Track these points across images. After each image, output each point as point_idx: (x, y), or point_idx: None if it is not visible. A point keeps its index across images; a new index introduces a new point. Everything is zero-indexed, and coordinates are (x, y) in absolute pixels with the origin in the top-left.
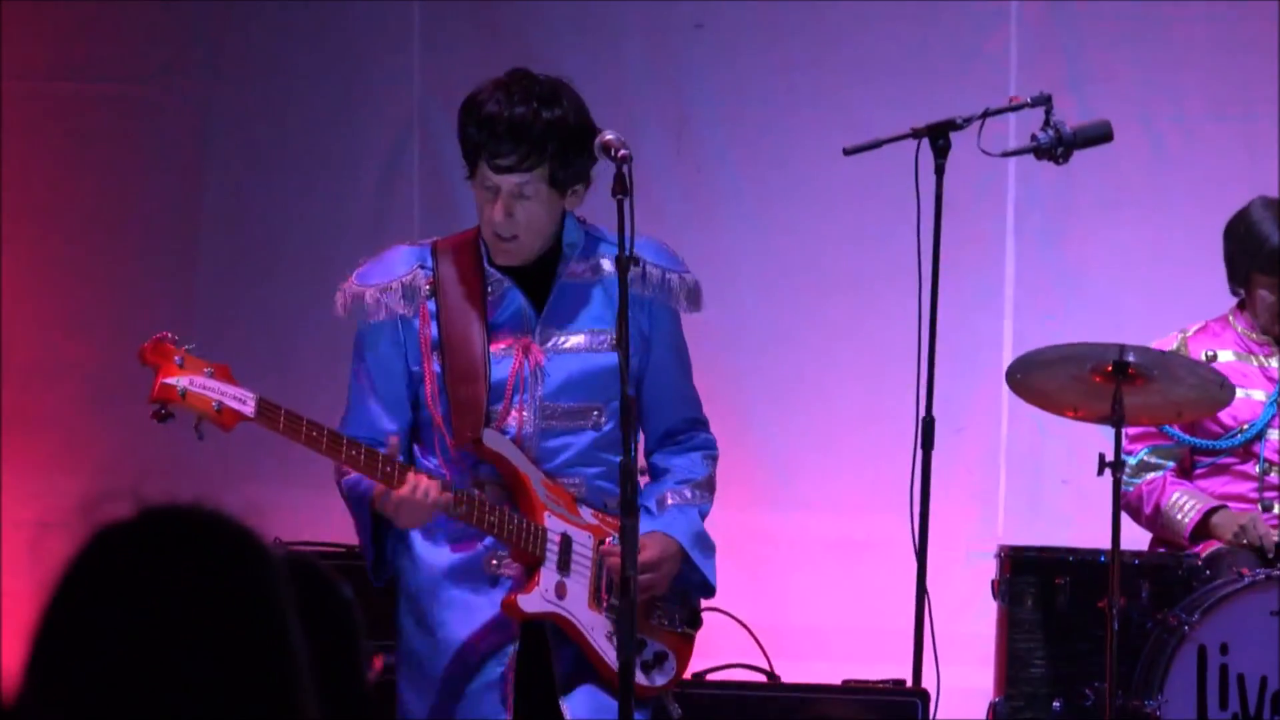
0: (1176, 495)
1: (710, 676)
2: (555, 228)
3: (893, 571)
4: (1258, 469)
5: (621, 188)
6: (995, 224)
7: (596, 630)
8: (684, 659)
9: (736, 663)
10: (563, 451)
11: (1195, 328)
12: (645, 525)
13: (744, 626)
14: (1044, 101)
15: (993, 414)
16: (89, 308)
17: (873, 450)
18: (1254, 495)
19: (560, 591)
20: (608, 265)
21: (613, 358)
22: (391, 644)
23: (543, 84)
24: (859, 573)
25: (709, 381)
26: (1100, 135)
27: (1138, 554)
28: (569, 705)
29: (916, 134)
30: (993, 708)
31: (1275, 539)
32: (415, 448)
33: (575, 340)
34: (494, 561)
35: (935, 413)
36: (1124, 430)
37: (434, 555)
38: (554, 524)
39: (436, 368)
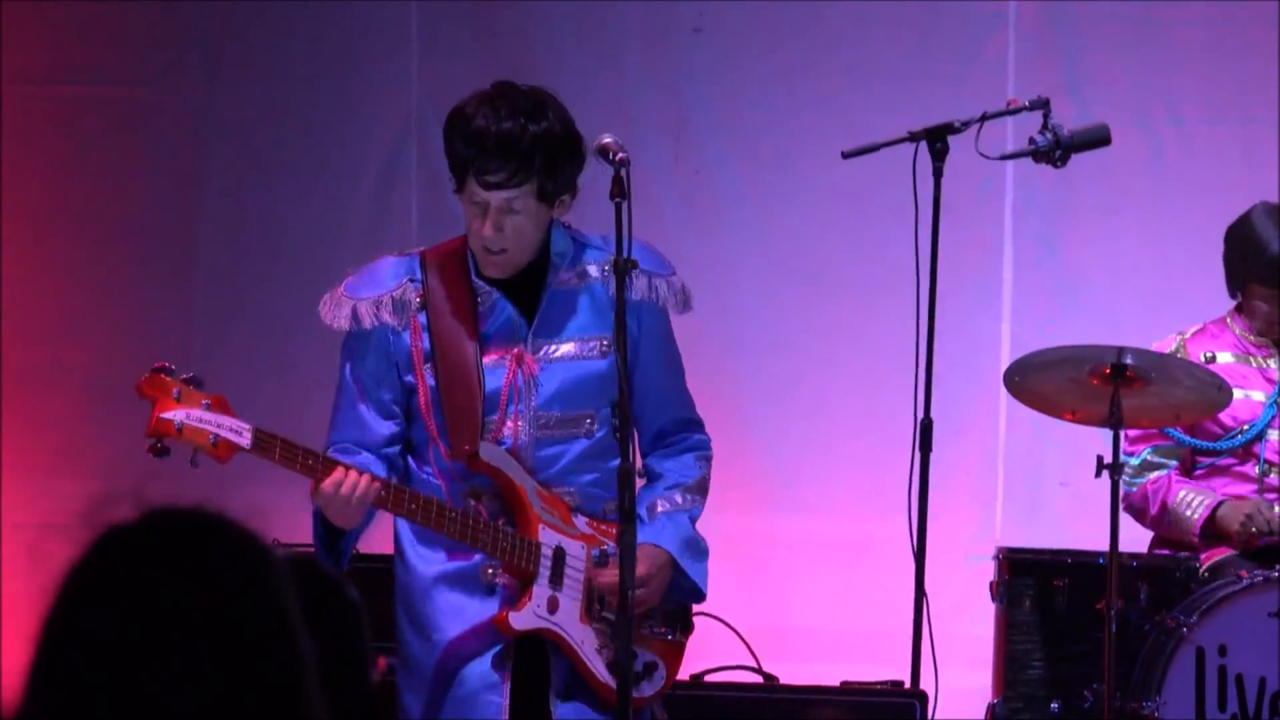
0: (1183, 493)
1: (709, 678)
2: (542, 238)
3: (891, 573)
4: (1257, 470)
5: (620, 191)
6: (993, 227)
7: (586, 644)
8: (674, 667)
9: (733, 664)
10: (557, 460)
11: (1193, 330)
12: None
13: (734, 631)
14: (1042, 105)
15: (991, 417)
16: (88, 311)
17: (871, 453)
18: (1254, 496)
19: (552, 606)
20: (594, 271)
21: (602, 365)
22: (394, 645)
23: (528, 96)
24: (857, 575)
25: (708, 385)
26: (1098, 139)
27: (1136, 556)
28: (560, 712)
29: (914, 137)
30: (991, 709)
31: None
32: (410, 459)
33: (566, 349)
34: (490, 571)
35: (933, 415)
36: (1125, 432)
37: (429, 560)
38: (548, 537)
39: (430, 380)
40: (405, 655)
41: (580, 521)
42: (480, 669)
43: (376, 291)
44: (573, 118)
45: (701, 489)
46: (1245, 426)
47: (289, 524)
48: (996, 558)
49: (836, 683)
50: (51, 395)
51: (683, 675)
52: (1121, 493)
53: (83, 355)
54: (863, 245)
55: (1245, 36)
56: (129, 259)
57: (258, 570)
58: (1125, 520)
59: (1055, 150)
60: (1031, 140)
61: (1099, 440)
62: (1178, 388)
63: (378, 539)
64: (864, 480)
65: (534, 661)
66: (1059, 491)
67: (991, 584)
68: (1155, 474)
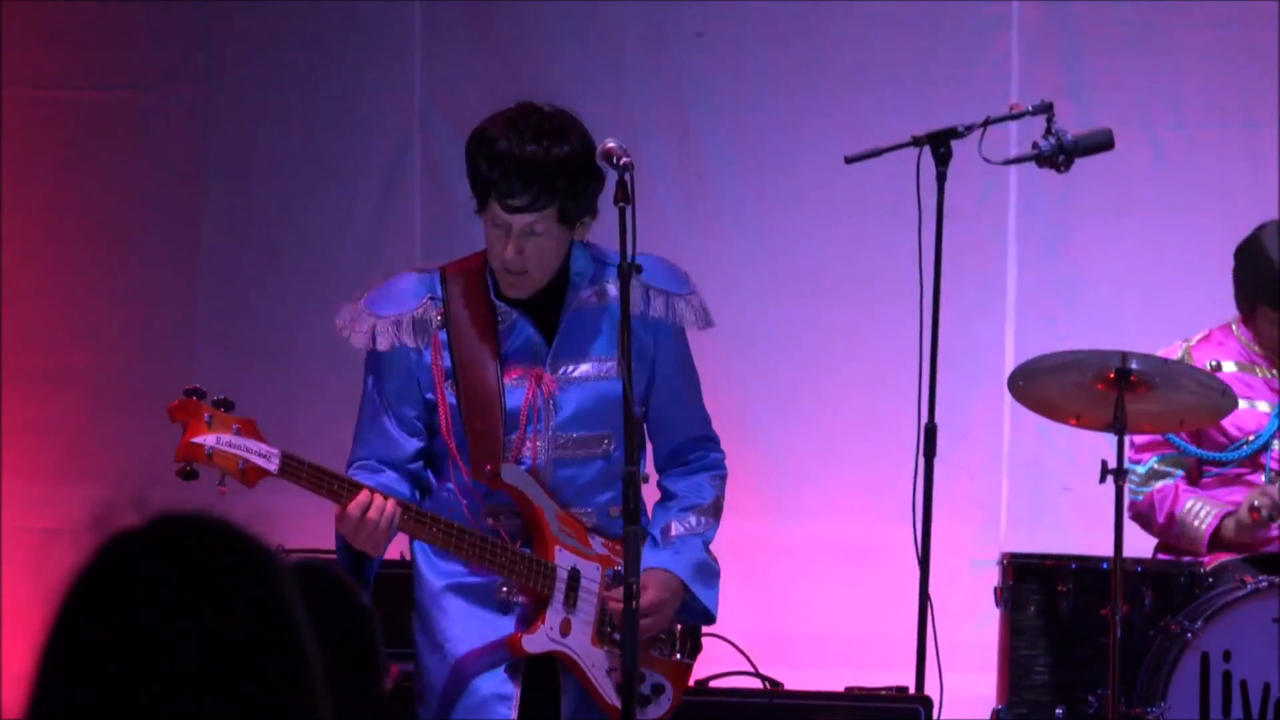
0: (1190, 502)
1: (714, 684)
2: (563, 259)
3: (895, 579)
4: (1264, 479)
5: (623, 196)
6: (997, 232)
7: (597, 667)
8: (681, 688)
9: (737, 670)
10: (575, 481)
11: (1199, 336)
12: (649, 558)
13: (737, 649)
14: (1045, 109)
15: (995, 421)
16: (91, 314)
17: (874, 458)
18: None
19: (564, 629)
20: (613, 290)
21: (619, 385)
22: (408, 652)
23: (551, 119)
24: (861, 580)
25: (711, 390)
26: (1101, 143)
27: (1140, 561)
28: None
29: (917, 142)
30: (995, 715)
31: None
32: (430, 474)
33: (584, 369)
34: (504, 590)
35: (937, 420)
36: (1131, 439)
37: (443, 573)
38: (564, 558)
39: (451, 398)
40: (420, 668)
41: (597, 542)
42: (491, 680)
43: (398, 310)
44: (594, 139)
45: (715, 511)
46: (1251, 437)
47: (294, 529)
48: (1001, 563)
49: (841, 688)
50: (54, 399)
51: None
52: (1128, 501)
53: (85, 359)
54: (866, 249)
55: (1248, 40)
56: (132, 263)
57: (262, 576)
58: (1130, 526)
59: (1059, 155)
60: (1035, 145)
61: (1103, 445)
62: (1182, 393)
63: (393, 546)
64: (868, 485)
65: (545, 676)
66: (1063, 496)
67: (996, 589)
68: (1161, 483)
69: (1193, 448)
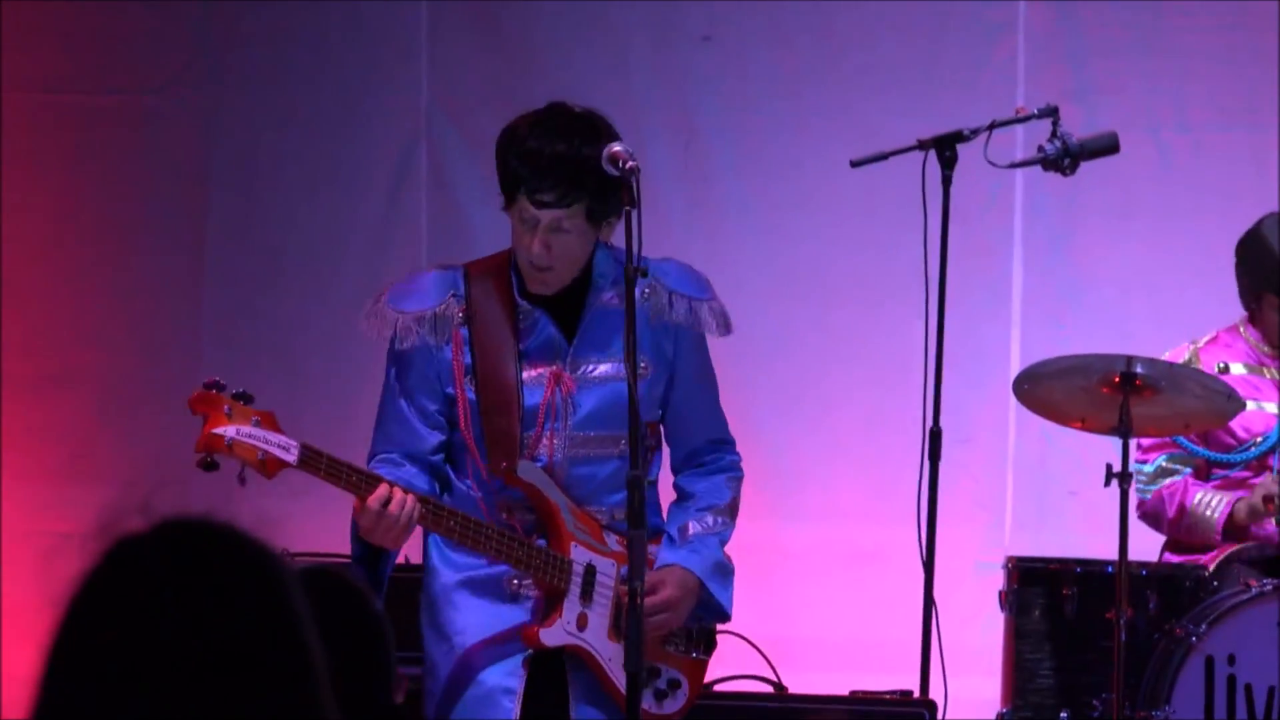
0: (1200, 494)
1: (718, 687)
2: (588, 258)
3: (900, 582)
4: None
5: (630, 199)
6: (1002, 235)
7: (614, 661)
8: (696, 684)
9: (745, 674)
10: (591, 480)
11: (1205, 339)
12: (667, 555)
13: (753, 645)
14: (1051, 113)
15: (1000, 425)
16: (96, 317)
17: (880, 461)
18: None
19: (581, 623)
20: (638, 294)
21: (640, 387)
22: (418, 655)
23: (582, 119)
24: (866, 583)
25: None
26: (1107, 147)
27: (1145, 565)
28: (579, 715)
29: (923, 146)
30: (1000, 718)
31: None
32: (449, 469)
33: (604, 369)
34: (515, 582)
35: (942, 423)
36: (1138, 441)
37: (455, 567)
38: (579, 554)
39: (470, 394)
40: (427, 661)
41: (612, 540)
42: (498, 674)
43: (420, 306)
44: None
45: (732, 511)
46: (1259, 438)
47: (299, 533)
48: (1006, 566)
49: (845, 692)
50: (58, 402)
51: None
52: (1136, 501)
53: (90, 361)
54: (871, 252)
55: (1253, 43)
56: (137, 266)
57: (268, 580)
58: (1135, 529)
59: (1064, 158)
60: (1040, 149)
61: (1108, 449)
62: (1187, 397)
63: (406, 549)
64: (872, 488)
65: (551, 671)
66: (1068, 500)
67: (1001, 593)
68: (1169, 480)
69: (1200, 449)
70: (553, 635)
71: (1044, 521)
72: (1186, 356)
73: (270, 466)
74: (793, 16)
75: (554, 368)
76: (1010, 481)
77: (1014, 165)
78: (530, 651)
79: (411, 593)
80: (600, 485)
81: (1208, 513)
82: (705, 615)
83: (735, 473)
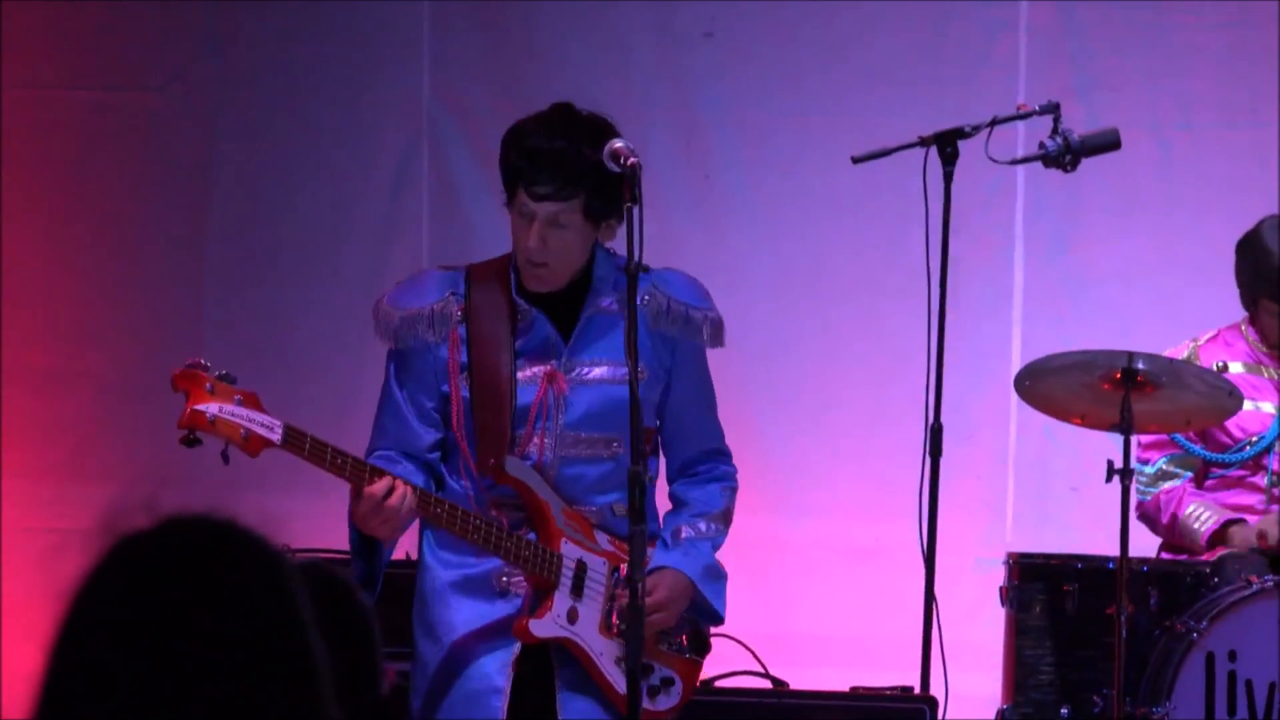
0: (1193, 506)
1: (719, 684)
2: (586, 258)
3: (901, 578)
4: (1266, 481)
5: (631, 195)
6: (1003, 231)
7: (605, 656)
8: (690, 684)
9: (744, 670)
10: (580, 480)
11: (1207, 336)
12: (659, 559)
13: (747, 648)
14: (1052, 109)
15: (1001, 421)
16: (98, 314)
17: (881, 457)
18: (1262, 508)
19: (572, 616)
20: (637, 299)
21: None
22: (406, 652)
23: (586, 120)
24: (867, 579)
25: (717, 388)
26: (1108, 143)
27: (1146, 561)
28: (566, 712)
29: (924, 142)
30: (1001, 715)
31: None
32: (443, 467)
33: (599, 371)
34: (504, 579)
35: (944, 419)
36: (1139, 439)
37: (447, 565)
38: (570, 550)
39: (464, 392)
40: (417, 655)
41: (603, 539)
42: (485, 671)
43: (418, 304)
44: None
45: (725, 518)
46: (1254, 438)
47: (301, 530)
48: (1007, 562)
49: (846, 688)
50: (61, 399)
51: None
52: (1135, 500)
53: (92, 359)
54: (872, 248)
55: (1254, 40)
56: (139, 263)
57: (272, 577)
58: (1135, 525)
59: (1065, 155)
60: (1042, 145)
61: (1109, 445)
62: (1188, 393)
63: (406, 546)
64: (874, 484)
65: (539, 668)
66: (1069, 496)
67: (1001, 589)
68: (1170, 484)
69: (1197, 448)
70: (543, 627)
71: (1045, 517)
72: (1187, 353)
73: (253, 444)
74: (794, 13)
75: (549, 367)
76: (1011, 477)
77: (1015, 162)
78: (518, 649)
79: (407, 588)
80: (590, 486)
81: (1196, 525)
82: (699, 617)
83: (730, 483)
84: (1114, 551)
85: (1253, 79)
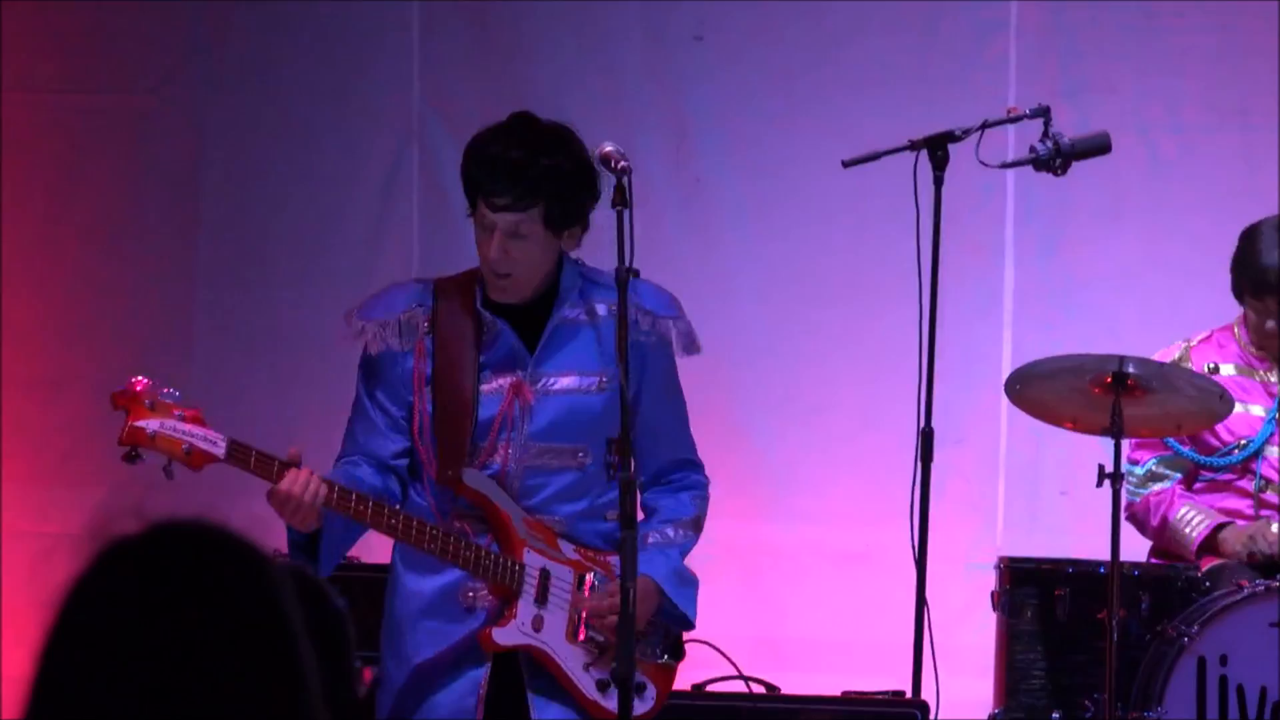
0: (1184, 510)
1: (710, 688)
2: (551, 268)
3: (892, 583)
4: (1254, 485)
5: (621, 199)
6: (994, 235)
7: (573, 661)
8: (664, 689)
9: (731, 675)
10: (544, 489)
11: (1199, 337)
12: None
13: (720, 653)
14: (1042, 113)
15: (992, 425)
16: (89, 318)
17: (871, 461)
18: (1250, 512)
19: (537, 625)
20: (601, 310)
21: (600, 400)
22: (374, 655)
23: (544, 130)
24: (858, 584)
25: (706, 393)
26: (1098, 147)
27: (1137, 565)
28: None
29: (915, 146)
30: (992, 719)
31: None
32: (410, 480)
33: (565, 381)
34: (470, 594)
35: (934, 424)
36: (1129, 440)
37: (416, 585)
38: (533, 559)
39: (428, 404)
40: (385, 675)
41: (568, 548)
42: (456, 689)
43: (385, 314)
44: (589, 155)
45: (695, 525)
46: (1243, 441)
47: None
48: (998, 567)
49: (837, 692)
50: (53, 403)
51: (684, 685)
52: (1125, 501)
53: (83, 363)
54: (863, 252)
55: (1246, 41)
56: (129, 267)
57: (261, 582)
58: (1126, 530)
59: (1055, 159)
60: (1032, 149)
61: (1100, 449)
62: (1179, 397)
63: (369, 548)
64: (864, 488)
65: (511, 683)
66: (1060, 500)
67: (993, 593)
68: (1159, 486)
69: (1187, 451)
70: (507, 635)
71: (1036, 522)
72: (1178, 355)
73: (196, 459)
74: (784, 16)
75: (514, 378)
76: (1002, 482)
77: (1005, 165)
78: (487, 668)
79: (369, 590)
80: (555, 495)
81: (1187, 530)
82: (670, 622)
83: (701, 491)
84: (1105, 555)
85: (1242, 81)
